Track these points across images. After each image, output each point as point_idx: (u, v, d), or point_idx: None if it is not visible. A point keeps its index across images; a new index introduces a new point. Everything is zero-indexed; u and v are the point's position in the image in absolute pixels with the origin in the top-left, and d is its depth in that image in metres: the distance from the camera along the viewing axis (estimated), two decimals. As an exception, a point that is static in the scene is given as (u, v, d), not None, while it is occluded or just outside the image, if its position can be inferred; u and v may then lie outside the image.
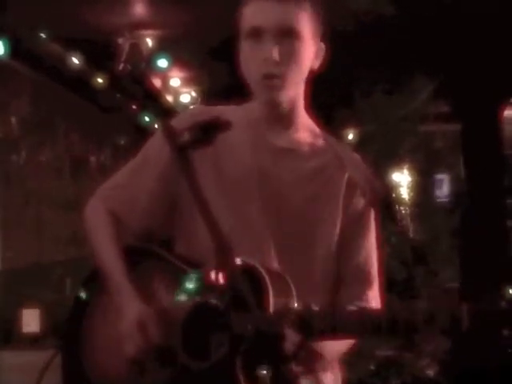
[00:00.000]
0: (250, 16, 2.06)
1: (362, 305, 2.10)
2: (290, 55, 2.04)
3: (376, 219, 2.16)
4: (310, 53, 2.08)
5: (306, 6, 2.07)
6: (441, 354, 5.21)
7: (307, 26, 2.06)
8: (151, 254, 2.12)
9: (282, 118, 2.11)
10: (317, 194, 2.10)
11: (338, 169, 2.12)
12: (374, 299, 2.14)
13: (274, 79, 2.04)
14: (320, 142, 2.16)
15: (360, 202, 2.12)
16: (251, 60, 2.06)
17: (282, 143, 2.11)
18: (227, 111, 2.11)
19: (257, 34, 2.03)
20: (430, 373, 5.18)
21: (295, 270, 2.03)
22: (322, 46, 2.12)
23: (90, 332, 2.13)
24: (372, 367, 5.01)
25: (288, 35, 2.03)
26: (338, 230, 2.11)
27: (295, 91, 2.10)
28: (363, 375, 4.91)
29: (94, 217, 2.17)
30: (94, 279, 2.16)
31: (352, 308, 2.04)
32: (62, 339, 2.17)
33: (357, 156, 2.19)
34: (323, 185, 2.11)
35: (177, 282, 2.03)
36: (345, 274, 2.12)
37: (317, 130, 2.19)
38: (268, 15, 2.03)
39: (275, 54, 2.01)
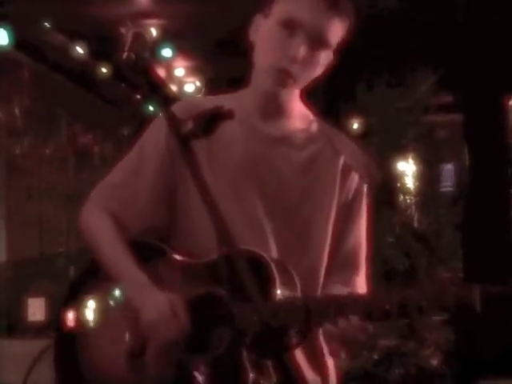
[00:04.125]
0: (294, 5, 2.01)
1: (347, 290, 2.07)
2: (312, 61, 2.02)
3: (368, 204, 2.16)
4: (326, 63, 2.07)
5: (346, 22, 2.04)
6: (444, 344, 5.21)
7: (337, 40, 2.05)
8: (151, 248, 2.08)
9: (276, 108, 2.09)
10: (313, 182, 2.09)
11: (333, 154, 2.10)
12: (360, 285, 2.14)
13: (288, 77, 2.02)
14: (314, 128, 2.14)
15: (352, 187, 2.12)
16: (274, 48, 2.02)
17: (276, 132, 2.09)
18: (221, 101, 2.06)
19: (292, 26, 1.99)
20: (434, 362, 5.19)
21: (293, 257, 2.03)
22: (331, 55, 2.09)
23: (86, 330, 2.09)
24: (375, 357, 5.02)
25: (320, 42, 2.01)
26: (333, 216, 2.10)
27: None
28: (366, 365, 4.91)
29: (92, 221, 2.11)
30: (87, 277, 2.13)
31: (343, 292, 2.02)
32: (57, 336, 2.13)
33: (351, 141, 2.17)
34: (319, 172, 2.09)
35: (178, 274, 2.02)
36: (334, 259, 2.11)
37: (311, 116, 2.17)
38: (313, 15, 1.99)
39: (301, 53, 1.99)
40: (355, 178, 2.11)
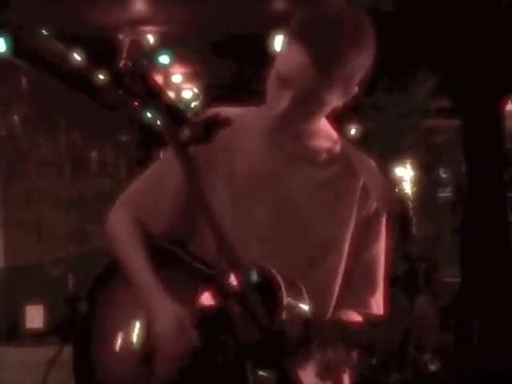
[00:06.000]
0: (290, 63, 1.98)
1: (364, 311, 2.10)
2: (302, 112, 2.01)
3: (387, 227, 2.15)
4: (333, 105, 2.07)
5: (349, 81, 2.04)
6: (444, 349, 5.21)
7: (339, 94, 2.04)
8: (170, 254, 2.11)
9: (295, 127, 2.08)
10: (330, 203, 2.09)
11: (353, 177, 2.10)
12: (376, 305, 2.15)
13: (278, 123, 2.02)
14: (337, 148, 2.13)
15: (371, 210, 2.11)
16: (271, 92, 2.02)
17: (297, 150, 2.08)
18: (242, 114, 2.09)
19: (283, 80, 1.98)
20: (433, 367, 5.18)
21: (303, 275, 2.02)
22: (356, 89, 2.09)
23: (101, 331, 2.12)
24: (373, 362, 5.00)
25: (308, 100, 1.99)
26: (349, 238, 2.10)
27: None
28: (364, 370, 4.90)
29: (117, 224, 2.15)
30: (108, 277, 2.15)
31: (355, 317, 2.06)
32: (73, 337, 2.16)
33: (372, 163, 2.15)
34: (337, 194, 2.09)
35: (194, 284, 2.03)
36: (351, 279, 2.11)
37: (334, 135, 2.15)
38: (303, 76, 1.96)
39: (287, 108, 1.98)
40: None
